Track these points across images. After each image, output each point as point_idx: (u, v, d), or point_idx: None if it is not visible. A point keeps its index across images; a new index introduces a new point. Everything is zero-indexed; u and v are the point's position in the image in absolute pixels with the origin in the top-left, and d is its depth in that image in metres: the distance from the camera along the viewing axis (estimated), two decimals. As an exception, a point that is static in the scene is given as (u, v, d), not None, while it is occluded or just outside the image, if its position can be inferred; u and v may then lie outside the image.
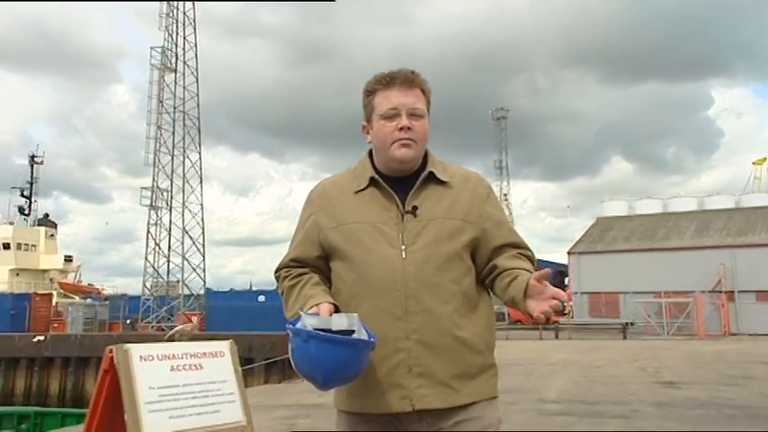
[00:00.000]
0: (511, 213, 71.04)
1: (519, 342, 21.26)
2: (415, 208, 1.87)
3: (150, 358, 2.17)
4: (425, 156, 1.96)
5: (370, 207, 1.90)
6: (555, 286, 1.75)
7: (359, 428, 1.87)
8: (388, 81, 1.90)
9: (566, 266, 38.68)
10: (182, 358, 2.27)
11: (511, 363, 12.97)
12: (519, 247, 1.95)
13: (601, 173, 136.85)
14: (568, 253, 37.39)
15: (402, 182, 1.91)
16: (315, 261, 1.97)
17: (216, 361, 2.36)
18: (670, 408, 7.47)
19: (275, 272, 2.05)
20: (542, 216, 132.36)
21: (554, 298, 1.71)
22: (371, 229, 1.87)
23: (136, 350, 2.15)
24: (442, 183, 1.92)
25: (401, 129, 1.86)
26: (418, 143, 1.88)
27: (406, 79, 1.90)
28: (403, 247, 1.83)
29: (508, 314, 34.14)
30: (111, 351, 2.13)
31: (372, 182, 1.91)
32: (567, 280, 39.72)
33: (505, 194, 70.40)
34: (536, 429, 6.04)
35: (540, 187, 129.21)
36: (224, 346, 2.42)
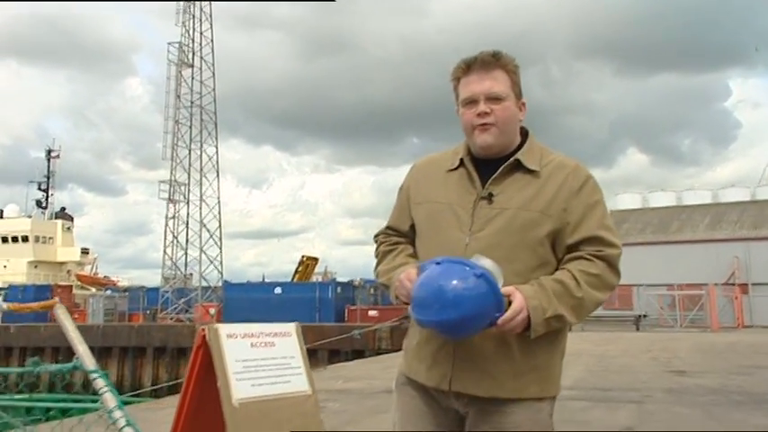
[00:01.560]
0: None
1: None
2: (491, 195, 1.86)
3: (235, 336, 2.58)
4: (525, 139, 1.96)
5: (454, 188, 1.92)
6: None
7: (408, 388, 2.00)
8: (465, 68, 1.92)
9: (579, 259, 38.83)
10: (258, 336, 2.67)
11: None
12: (597, 242, 1.84)
13: (616, 165, 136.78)
14: (582, 246, 37.51)
15: (492, 166, 1.89)
16: (407, 231, 2.06)
17: (285, 339, 2.75)
18: (680, 394, 7.80)
19: (375, 236, 2.17)
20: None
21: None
22: (447, 211, 1.89)
23: (223, 329, 2.55)
24: (530, 171, 1.87)
25: (479, 114, 1.87)
26: (499, 126, 1.87)
27: (483, 63, 1.88)
28: (470, 233, 1.84)
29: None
30: (203, 330, 2.53)
31: (462, 163, 1.93)
32: (580, 273, 39.88)
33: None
34: (555, 414, 6.39)
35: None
36: (291, 328, 2.81)
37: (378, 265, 2.08)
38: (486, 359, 1.82)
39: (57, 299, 2.34)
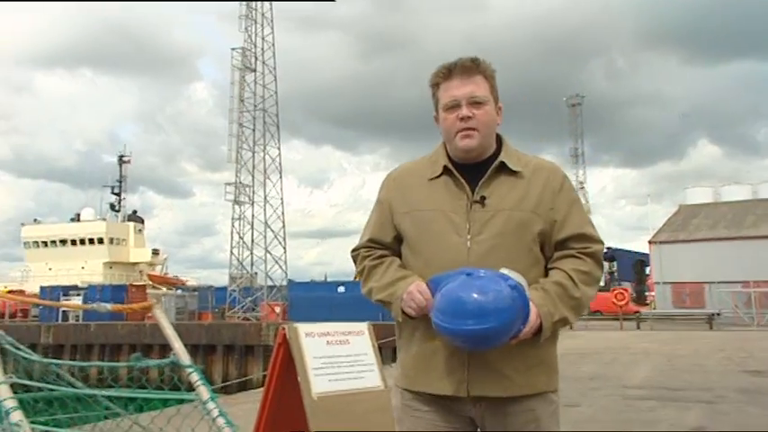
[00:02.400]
0: (588, 202, 69.55)
1: (599, 332, 21.19)
2: (483, 198, 1.88)
3: (312, 334, 2.76)
4: (500, 143, 1.98)
5: (442, 195, 1.92)
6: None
7: (413, 406, 1.94)
8: (446, 73, 1.93)
9: (647, 256, 37.78)
10: (334, 335, 2.84)
11: (592, 352, 13.15)
12: (584, 239, 1.91)
13: (686, 157, 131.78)
14: (650, 242, 36.51)
15: (475, 170, 1.91)
16: (391, 243, 2.01)
17: (359, 338, 2.91)
18: (755, 394, 7.58)
19: (353, 251, 2.09)
20: (622, 204, 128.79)
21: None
22: (441, 217, 1.89)
23: (302, 328, 2.73)
24: (514, 173, 1.91)
25: (462, 119, 1.88)
26: (481, 130, 1.89)
27: (464, 68, 1.90)
28: (468, 237, 1.85)
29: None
30: (283, 329, 2.72)
31: (446, 170, 1.93)
32: (648, 269, 38.80)
33: (581, 183, 69.02)
34: (620, 413, 6.36)
35: (620, 174, 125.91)
36: (363, 327, 2.97)
37: (366, 281, 1.99)
38: (499, 360, 1.82)
39: (154, 300, 2.57)
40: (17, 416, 1.73)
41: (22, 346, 2.59)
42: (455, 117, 1.89)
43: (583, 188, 69.04)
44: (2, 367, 1.88)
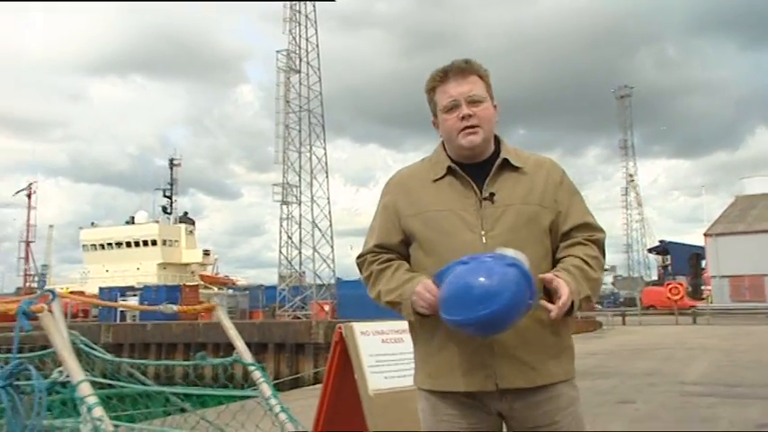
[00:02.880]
0: (638, 195, 67.97)
1: (653, 327, 20.74)
2: (492, 194, 1.90)
3: (368, 333, 2.83)
4: (498, 143, 2.01)
5: (450, 194, 1.93)
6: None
7: (441, 410, 1.91)
8: (442, 76, 1.96)
9: (702, 249, 36.71)
10: (388, 333, 2.91)
11: (647, 347, 12.90)
12: (588, 228, 1.97)
13: (743, 146, 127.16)
14: (705, 234, 35.47)
15: (477, 169, 1.94)
16: (397, 247, 2.00)
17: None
18: (821, 391, 7.34)
19: (359, 257, 2.07)
20: (675, 195, 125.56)
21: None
22: (451, 216, 1.90)
23: (357, 327, 2.81)
24: (517, 169, 1.95)
25: (463, 118, 1.91)
26: (483, 126, 1.92)
27: (459, 70, 1.94)
28: (482, 233, 1.87)
29: (639, 299, 33.03)
30: (340, 328, 2.80)
31: (450, 170, 1.95)
32: (703, 263, 37.70)
33: (631, 175, 67.45)
34: (677, 410, 6.25)
35: (673, 165, 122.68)
36: (417, 324, 3.03)
37: (374, 285, 1.99)
38: (524, 350, 1.83)
39: (216, 301, 2.67)
40: (99, 411, 1.85)
41: (95, 346, 2.74)
42: (456, 117, 1.92)
43: (633, 181, 67.44)
44: (81, 366, 2.01)
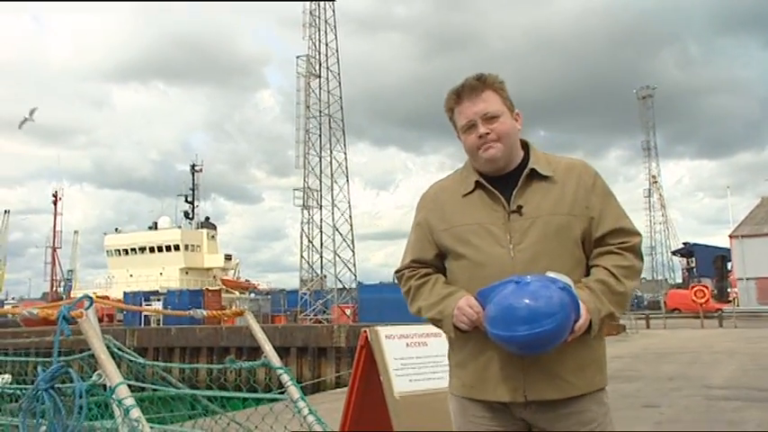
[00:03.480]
0: (662, 196, 67.22)
1: (678, 330, 20.51)
2: (520, 207, 1.92)
3: (392, 337, 2.88)
4: (527, 150, 2.03)
5: (478, 209, 1.96)
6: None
7: (470, 412, 1.98)
8: (456, 97, 2.00)
9: (728, 251, 36.21)
10: (413, 337, 2.95)
11: (671, 351, 12.77)
12: (622, 233, 1.96)
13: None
14: (731, 236, 34.97)
15: (506, 181, 1.96)
16: (433, 261, 2.05)
17: (436, 339, 3.02)
18: None
19: (397, 272, 2.13)
20: (699, 196, 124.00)
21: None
22: (480, 230, 1.93)
23: (383, 331, 2.86)
24: (546, 178, 1.96)
25: (480, 137, 1.94)
26: (502, 140, 1.95)
27: (471, 89, 1.97)
28: (510, 246, 1.89)
29: (664, 303, 32.66)
30: (365, 332, 2.85)
31: (478, 185, 1.98)
32: (729, 265, 37.16)
33: (654, 177, 66.73)
34: (703, 413, 6.20)
35: (697, 165, 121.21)
36: (441, 329, 3.08)
37: (414, 300, 2.04)
38: (554, 362, 1.85)
39: (245, 307, 2.73)
40: (136, 413, 1.92)
41: (127, 350, 2.82)
42: (475, 137, 1.96)
43: (656, 182, 66.71)
44: (118, 370, 2.09)
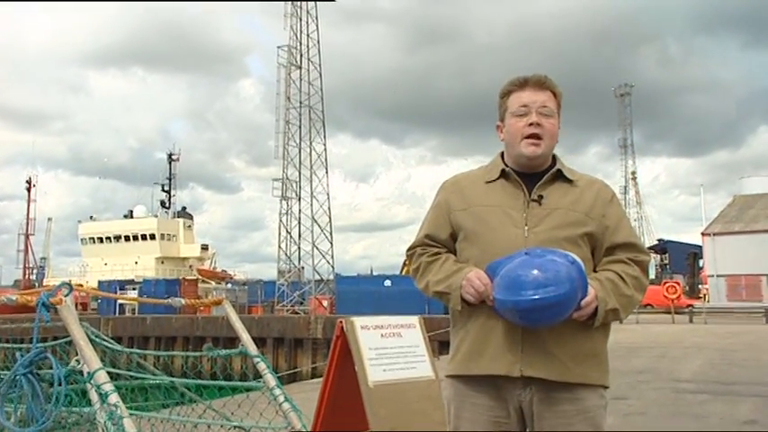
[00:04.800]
0: (638, 193, 68.16)
1: (650, 326, 20.87)
2: (540, 197, 1.99)
3: (367, 328, 2.93)
4: (554, 158, 2.09)
5: (500, 194, 2.03)
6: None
7: (463, 393, 2.02)
8: (521, 83, 2.05)
9: (700, 248, 36.87)
10: (387, 328, 3.01)
11: (642, 346, 13.00)
12: (634, 248, 2.01)
13: (744, 145, 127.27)
14: (703, 234, 35.61)
15: (531, 177, 2.03)
16: (446, 241, 2.10)
17: (410, 330, 3.08)
18: (811, 390, 7.44)
19: (409, 249, 2.17)
20: (675, 194, 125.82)
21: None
22: (498, 212, 1.99)
23: (358, 322, 2.91)
24: (569, 181, 2.04)
25: (531, 124, 1.99)
26: (546, 140, 2.00)
27: (538, 81, 2.04)
28: (526, 228, 1.95)
29: (637, 298, 33.09)
30: (341, 322, 2.90)
31: (503, 174, 2.05)
32: (701, 262, 37.84)
33: (633, 173, 67.60)
34: (669, 406, 6.36)
35: (674, 163, 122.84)
36: (415, 320, 3.14)
37: (422, 276, 2.08)
38: (552, 343, 1.88)
39: (224, 296, 2.78)
40: (114, 398, 1.96)
41: (106, 338, 2.85)
42: (524, 123, 2.00)
43: (634, 179, 67.59)
44: (97, 357, 2.12)
